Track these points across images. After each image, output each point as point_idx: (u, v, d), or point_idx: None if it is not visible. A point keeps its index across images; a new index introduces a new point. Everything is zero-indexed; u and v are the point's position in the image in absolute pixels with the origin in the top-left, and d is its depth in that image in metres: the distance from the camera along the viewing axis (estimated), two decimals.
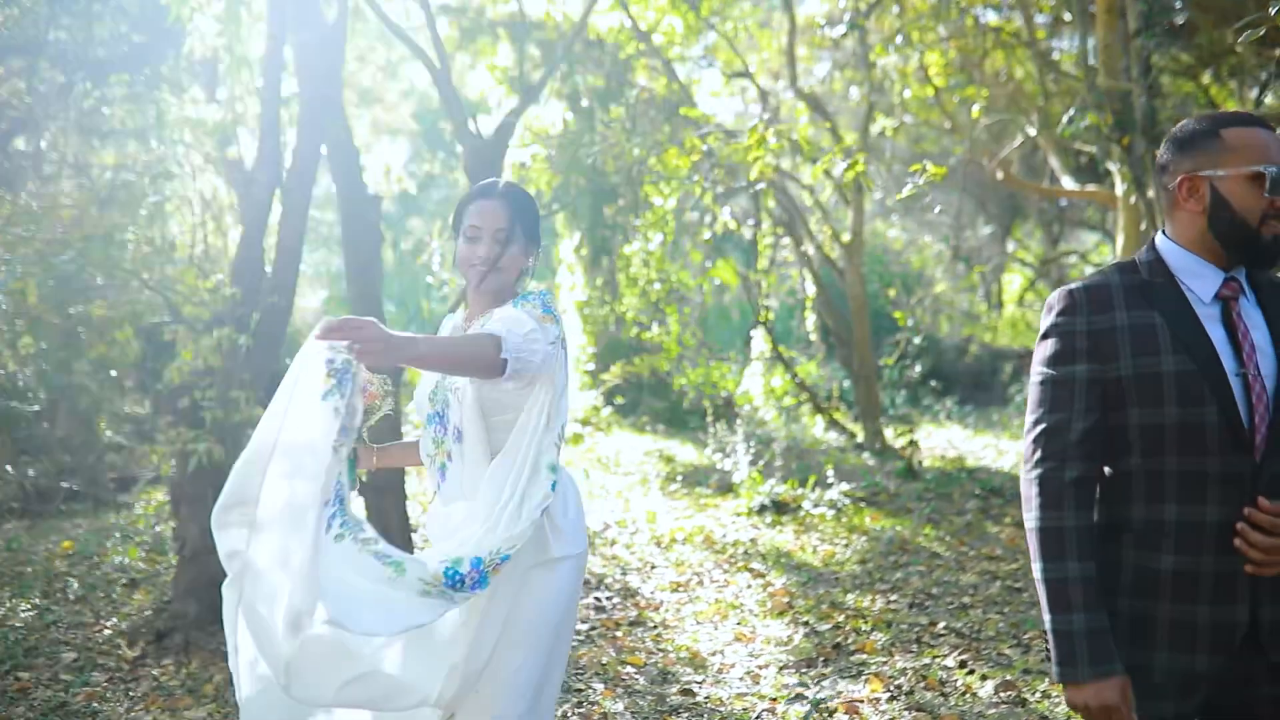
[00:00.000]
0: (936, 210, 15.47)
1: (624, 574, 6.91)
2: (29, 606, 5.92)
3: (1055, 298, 2.25)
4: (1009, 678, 4.84)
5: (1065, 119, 7.07)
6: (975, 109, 10.64)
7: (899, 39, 10.60)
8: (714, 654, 5.42)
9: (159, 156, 6.16)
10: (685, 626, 5.88)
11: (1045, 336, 2.25)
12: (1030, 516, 2.20)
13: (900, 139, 15.74)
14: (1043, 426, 2.21)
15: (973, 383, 19.54)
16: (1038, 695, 4.65)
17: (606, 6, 12.52)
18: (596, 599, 6.43)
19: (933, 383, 16.18)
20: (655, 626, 5.90)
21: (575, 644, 5.59)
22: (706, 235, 13.25)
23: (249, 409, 5.25)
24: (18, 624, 5.65)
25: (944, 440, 13.04)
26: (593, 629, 5.86)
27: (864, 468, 10.31)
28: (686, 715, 4.61)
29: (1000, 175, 12.50)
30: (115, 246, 5.85)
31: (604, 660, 5.29)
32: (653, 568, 7.05)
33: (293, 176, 5.63)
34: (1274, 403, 2.12)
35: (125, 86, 5.85)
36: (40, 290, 6.53)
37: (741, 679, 5.06)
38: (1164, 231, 2.27)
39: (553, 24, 14.37)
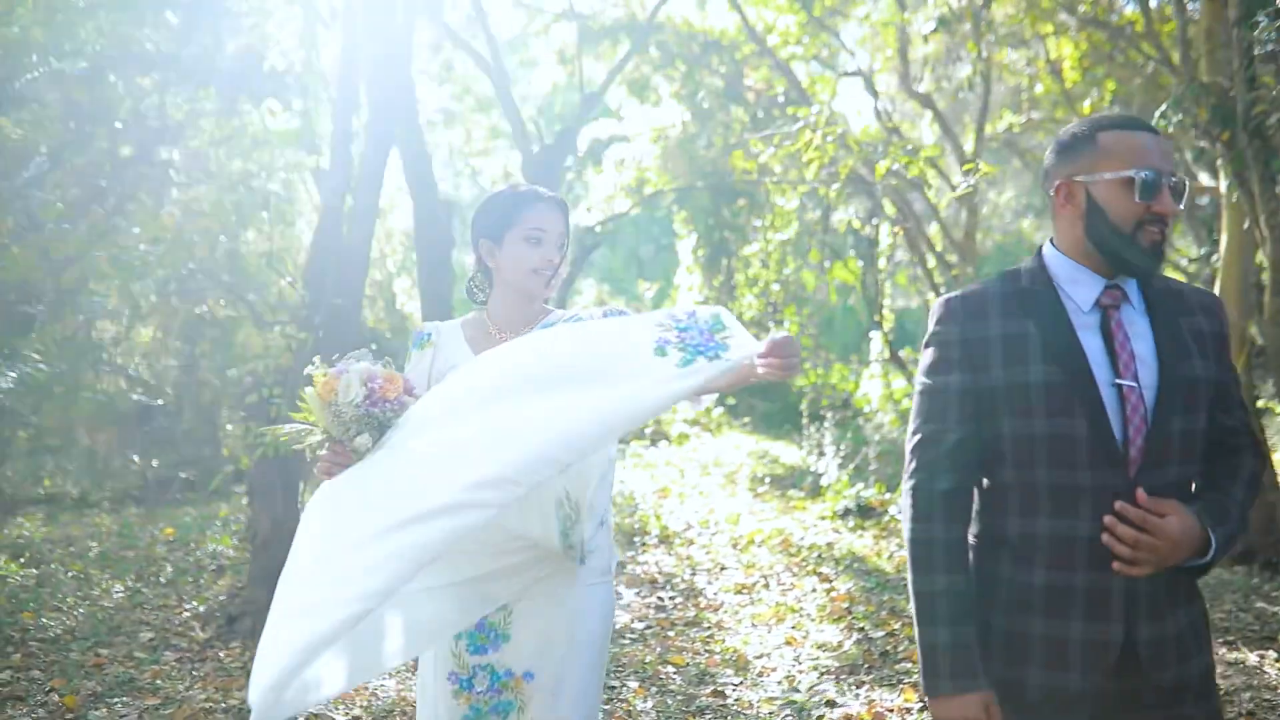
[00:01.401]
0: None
1: (692, 574, 6.94)
2: (122, 588, 6.32)
3: (935, 306, 2.20)
4: None
5: (1158, 114, 6.74)
6: (1088, 103, 10.21)
7: (997, 34, 10.26)
8: (760, 657, 5.41)
9: (260, 164, 6.50)
10: (740, 629, 5.88)
11: (926, 345, 2.20)
12: (904, 528, 2.17)
13: (1040, 135, 15.26)
14: (918, 437, 2.16)
15: None
16: None
17: (724, 7, 12.54)
18: (660, 599, 6.48)
19: None
20: (710, 628, 5.91)
21: (625, 642, 5.66)
22: (825, 235, 13.19)
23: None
24: (109, 604, 6.04)
25: None
26: (648, 628, 5.91)
27: None
28: (710, 716, 4.62)
29: None
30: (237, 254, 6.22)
31: (647, 659, 5.34)
32: (722, 569, 7.05)
33: (361, 182, 5.86)
34: (1154, 415, 2.03)
35: (214, 100, 6.19)
36: (173, 290, 6.98)
37: (780, 683, 5.04)
38: (1051, 239, 2.20)
39: (672, 25, 14.43)
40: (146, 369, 10.48)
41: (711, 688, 4.95)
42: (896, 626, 5.72)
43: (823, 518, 8.27)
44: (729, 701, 4.78)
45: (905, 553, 2.17)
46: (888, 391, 14.35)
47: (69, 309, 6.80)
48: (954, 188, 12.10)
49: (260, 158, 8.82)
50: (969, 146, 12.40)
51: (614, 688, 4.98)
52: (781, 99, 13.20)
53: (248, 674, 5.01)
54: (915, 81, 11.82)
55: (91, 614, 5.80)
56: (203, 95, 6.43)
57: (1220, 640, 5.36)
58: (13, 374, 6.87)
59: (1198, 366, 2.08)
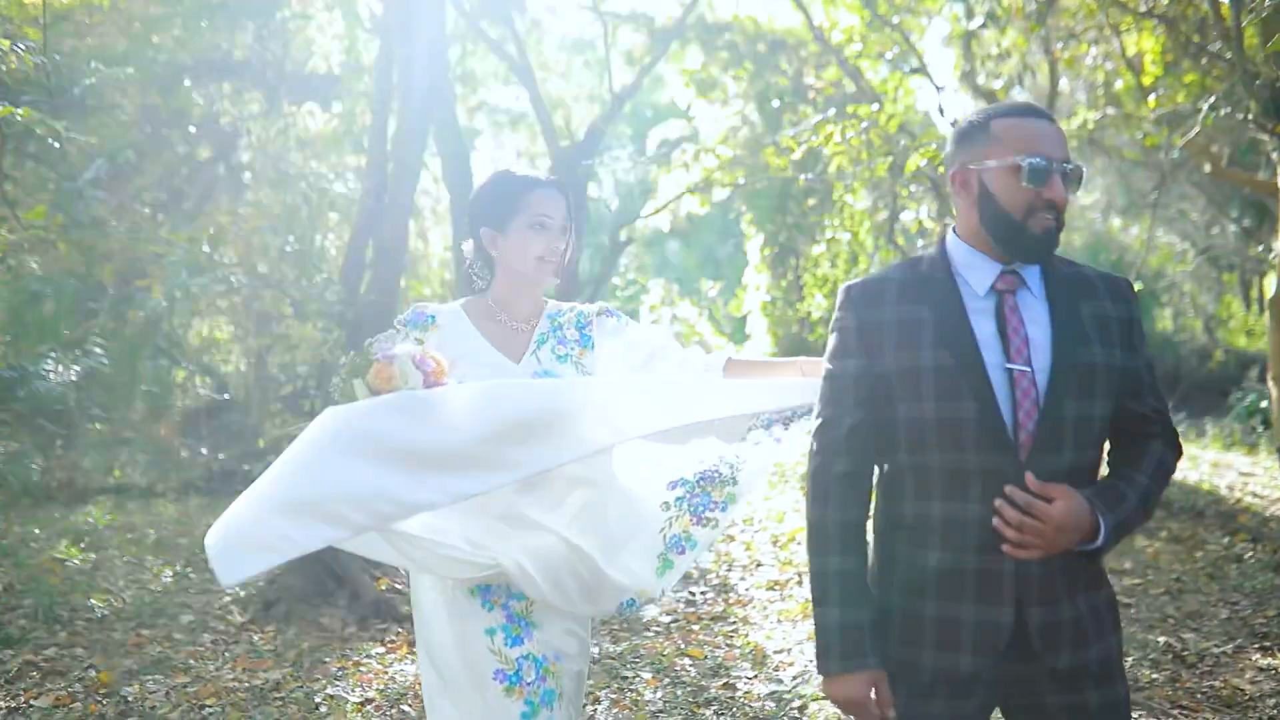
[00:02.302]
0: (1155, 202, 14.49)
1: (727, 570, 6.96)
2: (171, 573, 6.57)
3: (839, 292, 2.23)
4: None
5: (1206, 106, 6.58)
6: (1152, 96, 9.95)
7: (1068, 29, 10.05)
8: (779, 651, 5.41)
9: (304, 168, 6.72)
10: (766, 624, 5.89)
11: (830, 332, 2.23)
12: (805, 510, 2.20)
13: (1130, 131, 14.89)
14: (819, 422, 2.19)
15: (1218, 390, 18.35)
16: None
17: (789, 6, 12.51)
18: (690, 593, 6.51)
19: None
20: (735, 622, 5.93)
21: (649, 635, 5.72)
22: (894, 235, 13.06)
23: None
24: (156, 588, 6.30)
25: None
26: (673, 621, 5.96)
27: None
28: (715, 708, 4.65)
29: (1208, 168, 11.68)
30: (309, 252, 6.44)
31: (665, 651, 5.39)
32: (758, 565, 7.06)
33: (394, 181, 6.02)
34: (1046, 400, 2.03)
35: (260, 103, 6.41)
36: (224, 289, 7.24)
37: (795, 678, 5.05)
38: (954, 226, 2.21)
39: (739, 25, 14.44)
40: (222, 364, 10.86)
41: (724, 680, 4.98)
42: None
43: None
44: (738, 694, 4.81)
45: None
46: None
47: (129, 305, 7.11)
48: None
49: (333, 159, 9.12)
50: None
51: (627, 678, 5.04)
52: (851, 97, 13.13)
53: (277, 655, 5.21)
54: (978, 77, 11.65)
55: (138, 597, 6.05)
56: (269, 100, 6.65)
57: (1256, 646, 5.23)
58: (77, 367, 7.20)
59: (1097, 352, 2.07)
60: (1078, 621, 2.06)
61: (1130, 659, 5.08)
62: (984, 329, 2.07)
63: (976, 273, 2.12)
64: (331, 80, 6.45)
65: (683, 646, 5.48)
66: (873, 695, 2.10)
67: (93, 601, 5.93)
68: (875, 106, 12.07)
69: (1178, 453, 2.21)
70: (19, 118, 6.00)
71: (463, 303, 2.72)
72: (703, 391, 2.62)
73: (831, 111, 7.85)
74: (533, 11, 13.20)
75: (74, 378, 7.33)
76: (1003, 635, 2.04)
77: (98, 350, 7.26)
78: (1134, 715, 4.38)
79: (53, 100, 6.53)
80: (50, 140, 6.35)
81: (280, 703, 4.67)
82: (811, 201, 15.14)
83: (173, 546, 7.19)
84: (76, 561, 6.65)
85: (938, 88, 11.98)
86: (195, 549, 7.13)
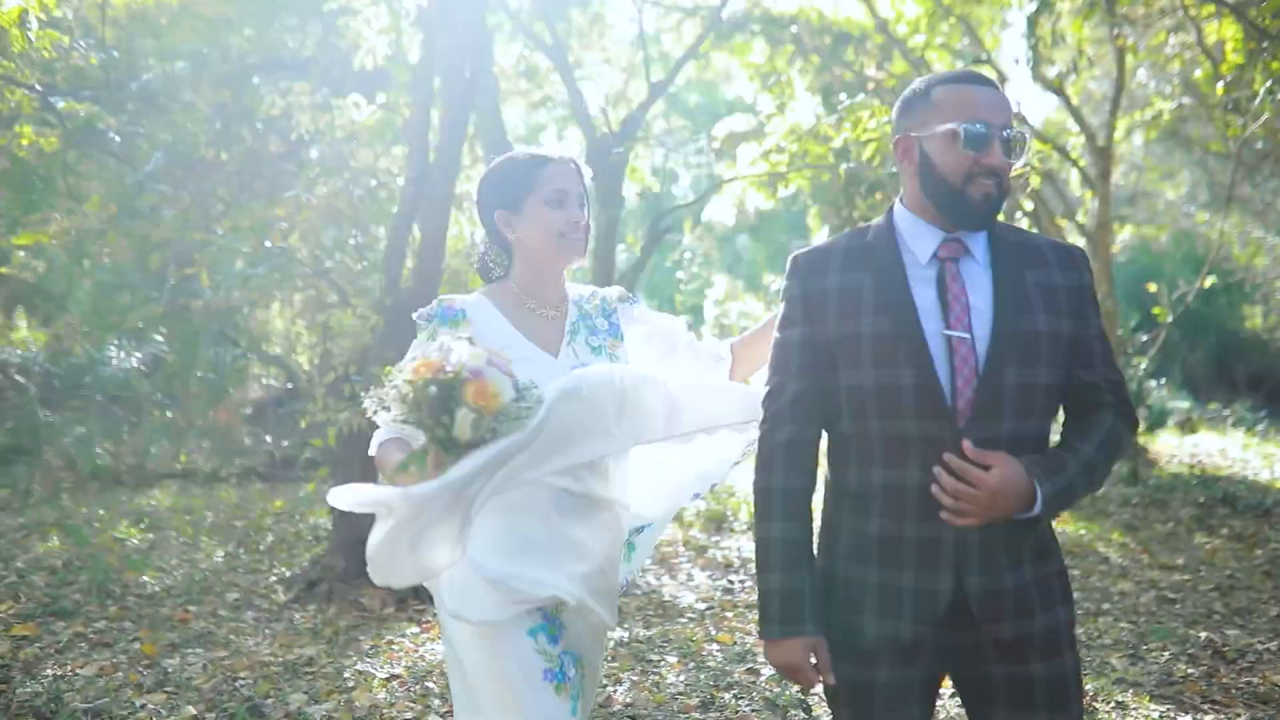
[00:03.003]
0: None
1: None
2: (223, 554, 6.77)
3: (788, 262, 2.23)
4: (1092, 687, 4.54)
5: (1264, 89, 6.39)
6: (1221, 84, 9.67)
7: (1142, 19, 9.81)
8: None
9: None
10: None
11: (780, 301, 2.24)
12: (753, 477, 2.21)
13: (1216, 123, 14.49)
14: (766, 389, 2.20)
15: None
16: (1110, 706, 4.35)
17: None
18: (729, 581, 6.52)
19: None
20: None
21: (682, 622, 5.74)
22: None
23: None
24: (207, 567, 6.49)
25: (1215, 447, 12.00)
26: (709, 609, 5.97)
27: None
28: (735, 691, 4.66)
29: None
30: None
31: (695, 637, 5.40)
32: None
33: (436, 171, 6.11)
34: (985, 367, 2.01)
35: (308, 95, 6.55)
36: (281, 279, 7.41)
37: None
38: (901, 195, 2.20)
39: (805, 18, 14.36)
40: (287, 354, 11.12)
41: (748, 665, 4.98)
42: None
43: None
44: (760, 679, 4.81)
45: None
46: None
47: (189, 294, 7.32)
48: (1084, 175, 11.70)
49: (399, 153, 9.29)
50: (1119, 134, 11.97)
51: (652, 660, 5.06)
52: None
53: (314, 633, 5.34)
54: (1042, 66, 11.42)
55: (189, 575, 6.24)
56: (319, 93, 6.81)
57: None
58: (139, 354, 7.46)
59: (1040, 320, 2.04)
60: (1021, 592, 2.04)
61: (1166, 653, 4.98)
62: (925, 296, 2.06)
63: (920, 240, 2.11)
64: (380, 75, 6.57)
65: (713, 632, 5.49)
66: (812, 660, 2.10)
67: (145, 578, 6.14)
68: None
69: (1132, 424, 2.16)
70: (81, 113, 6.22)
71: (484, 292, 2.55)
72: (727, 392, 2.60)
73: (860, 97, 7.74)
74: (595, 5, 13.33)
75: (136, 364, 7.61)
76: (941, 603, 2.03)
77: (159, 338, 7.51)
78: (1163, 709, 4.30)
79: (112, 95, 6.77)
80: (111, 134, 6.58)
81: (310, 676, 4.79)
82: (880, 195, 15.02)
83: (227, 529, 7.39)
84: (135, 541, 6.88)
85: (1002, 78, 11.82)
86: (249, 531, 7.35)
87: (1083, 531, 7.35)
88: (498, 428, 2.11)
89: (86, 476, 8.20)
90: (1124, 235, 15.09)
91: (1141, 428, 12.22)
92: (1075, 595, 5.94)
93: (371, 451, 2.49)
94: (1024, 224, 12.20)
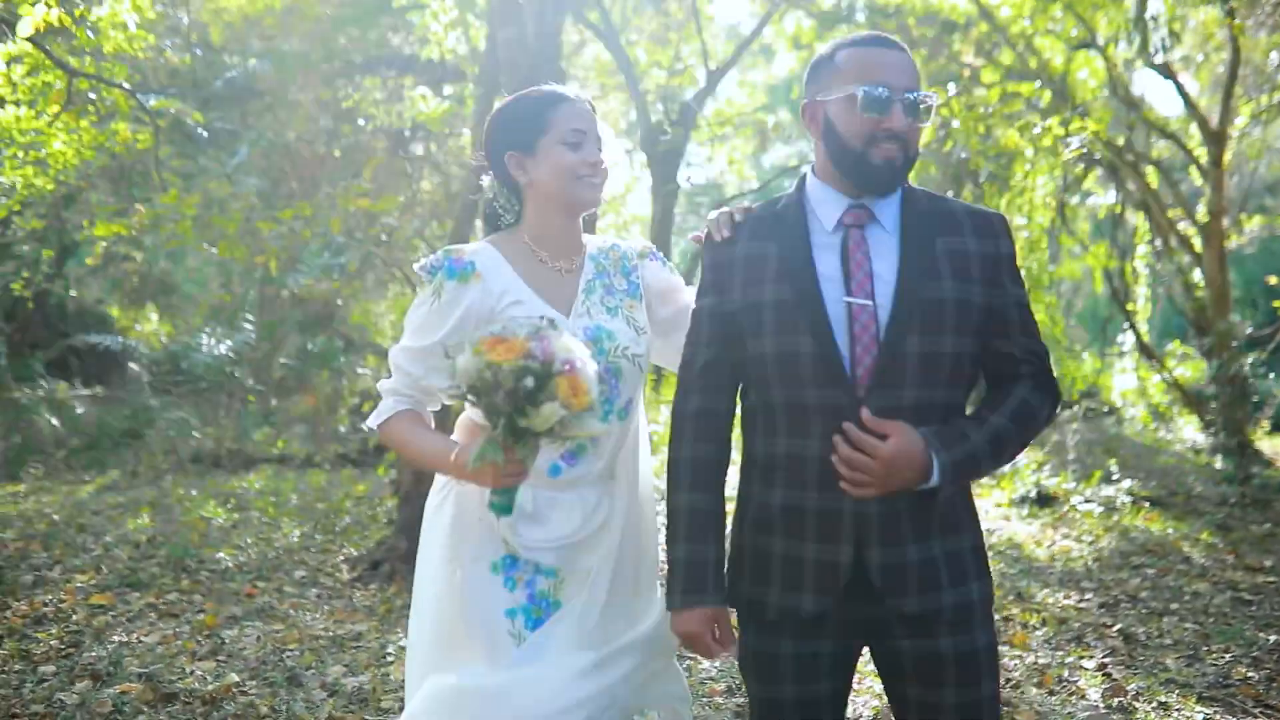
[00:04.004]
0: None
1: None
2: (299, 534, 7.00)
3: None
4: (1137, 686, 4.37)
5: None
6: None
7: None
8: None
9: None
10: None
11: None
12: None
13: None
14: (680, 360, 2.19)
15: None
16: (1152, 706, 4.17)
17: None
18: None
19: None
20: None
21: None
22: (1074, 220, 12.52)
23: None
24: (281, 545, 6.72)
25: None
26: None
27: (1209, 471, 9.30)
28: None
29: None
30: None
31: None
32: None
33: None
34: (887, 334, 1.95)
35: (381, 90, 6.75)
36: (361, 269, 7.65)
37: None
38: (813, 164, 2.16)
39: (910, 7, 14.09)
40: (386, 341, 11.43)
41: None
42: (1014, 612, 5.46)
43: (998, 505, 7.92)
44: None
45: None
46: (1141, 386, 13.42)
47: (277, 283, 7.61)
48: (1196, 164, 11.19)
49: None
50: (1241, 120, 11.42)
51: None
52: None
53: (369, 610, 5.49)
54: (1154, 52, 10.97)
55: (262, 553, 6.48)
56: (389, 86, 7.02)
57: None
58: (228, 341, 7.78)
59: (948, 287, 1.98)
60: (927, 566, 1.98)
61: (1229, 655, 4.75)
62: (827, 264, 2.01)
63: (826, 208, 2.07)
64: (451, 67, 6.71)
65: None
66: (716, 631, 2.09)
67: (221, 555, 6.40)
68: (1038, 84, 11.58)
69: (1050, 395, 2.07)
70: (171, 110, 6.50)
71: (491, 240, 2.36)
72: None
73: (950, 85, 7.56)
74: None
75: (226, 351, 7.94)
76: (841, 575, 1.98)
77: (247, 326, 7.82)
78: (1209, 711, 4.11)
79: (199, 92, 7.07)
80: (200, 129, 6.87)
81: (355, 650, 4.93)
82: (987, 184, 14.64)
83: (308, 511, 7.65)
84: (220, 520, 7.17)
85: (1112, 65, 11.39)
86: (328, 513, 7.58)
87: (1170, 530, 7.05)
88: (571, 424, 2.03)
89: (187, 459, 8.59)
90: (1252, 227, 14.41)
91: (1266, 427, 11.64)
92: (1143, 594, 5.74)
93: (373, 422, 2.37)
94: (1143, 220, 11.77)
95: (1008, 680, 4.52)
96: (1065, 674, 4.56)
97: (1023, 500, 7.79)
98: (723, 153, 14.59)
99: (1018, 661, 4.73)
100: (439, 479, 2.42)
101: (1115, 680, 4.44)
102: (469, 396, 2.05)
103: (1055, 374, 2.10)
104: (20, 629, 5.18)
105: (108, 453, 9.19)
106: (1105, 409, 14.06)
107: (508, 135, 2.33)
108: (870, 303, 1.96)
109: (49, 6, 5.55)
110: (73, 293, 12.41)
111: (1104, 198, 14.61)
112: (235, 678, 4.50)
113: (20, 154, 6.79)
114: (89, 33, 6.23)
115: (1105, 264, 13.16)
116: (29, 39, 5.79)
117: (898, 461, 1.90)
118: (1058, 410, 2.10)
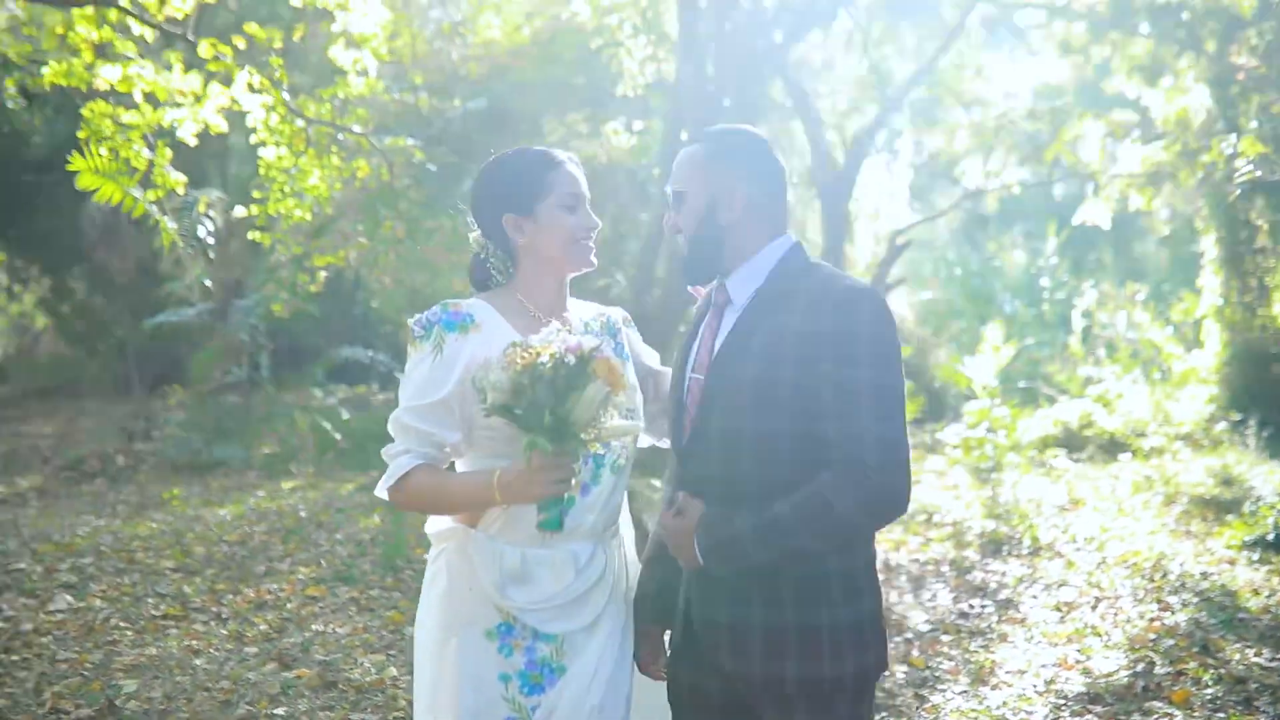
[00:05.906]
0: None
1: (1027, 587, 6.60)
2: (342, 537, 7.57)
3: None
4: None
5: None
6: None
7: None
8: (1009, 672, 5.16)
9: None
10: (1019, 642, 5.60)
11: None
12: None
13: None
14: None
15: None
16: None
17: None
18: (970, 605, 6.30)
19: None
20: (992, 638, 5.68)
21: (894, 642, 5.67)
22: None
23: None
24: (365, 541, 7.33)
25: None
26: (930, 630, 5.84)
27: None
28: (885, 714, 4.61)
29: None
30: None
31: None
32: (1061, 585, 6.61)
33: None
34: (698, 410, 2.11)
35: (585, 124, 7.15)
36: None
37: (1007, 702, 4.83)
38: None
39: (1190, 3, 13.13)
40: None
41: (915, 692, 4.89)
42: (1191, 665, 5.11)
43: (1228, 546, 7.32)
44: (923, 705, 4.71)
45: None
46: None
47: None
48: None
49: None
50: None
51: None
52: None
53: (400, 611, 5.90)
54: None
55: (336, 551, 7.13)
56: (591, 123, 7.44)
57: None
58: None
59: (751, 366, 2.03)
60: (740, 631, 2.09)
61: None
62: (702, 339, 2.19)
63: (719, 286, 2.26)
64: (640, 102, 7.02)
65: (912, 654, 5.40)
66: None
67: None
68: None
69: (858, 487, 1.94)
70: (401, 148, 7.20)
71: (484, 298, 2.41)
72: None
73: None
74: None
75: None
76: (679, 622, 2.23)
77: None
78: None
79: (427, 130, 7.74)
80: (429, 165, 7.52)
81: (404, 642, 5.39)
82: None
83: (368, 507, 8.25)
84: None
85: None
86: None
87: None
88: (611, 410, 2.08)
89: None
90: None
91: None
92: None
93: (387, 484, 2.34)
94: None
95: None
96: None
97: (1256, 543, 7.16)
98: None
99: (1155, 716, 4.48)
100: (434, 549, 2.46)
101: None
102: (510, 407, 2.06)
103: (895, 465, 1.96)
104: (244, 613, 5.92)
105: (372, 455, 10.13)
106: None
107: (505, 196, 2.38)
108: (701, 378, 2.12)
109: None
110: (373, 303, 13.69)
111: None
112: (394, 672, 4.98)
113: (283, 189, 7.66)
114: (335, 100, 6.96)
115: None
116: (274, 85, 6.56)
117: (679, 538, 2.08)
118: (880, 504, 1.98)
